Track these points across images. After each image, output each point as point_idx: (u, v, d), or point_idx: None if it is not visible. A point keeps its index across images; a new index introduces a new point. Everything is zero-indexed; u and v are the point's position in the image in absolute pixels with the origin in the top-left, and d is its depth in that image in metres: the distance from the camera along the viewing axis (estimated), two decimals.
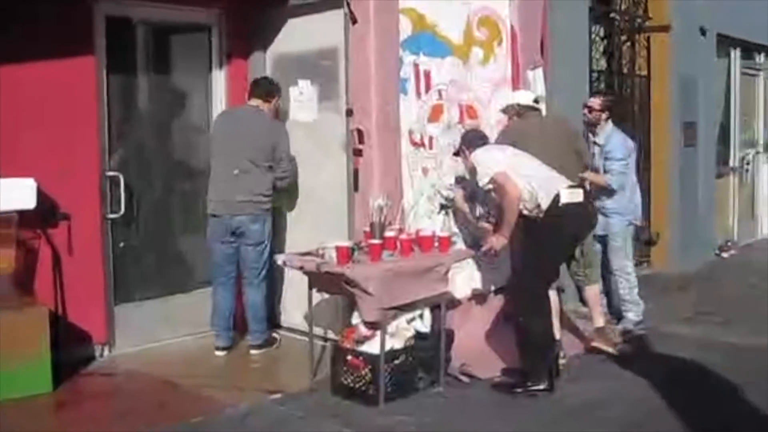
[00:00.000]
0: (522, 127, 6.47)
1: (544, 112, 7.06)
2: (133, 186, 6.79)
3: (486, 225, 6.42)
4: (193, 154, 7.26)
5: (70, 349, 6.16)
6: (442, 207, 6.79)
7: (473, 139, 6.16)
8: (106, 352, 6.58)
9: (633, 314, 7.35)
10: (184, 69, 7.23)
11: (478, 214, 6.70)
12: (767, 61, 13.55)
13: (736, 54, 12.45)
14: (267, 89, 6.73)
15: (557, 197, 5.67)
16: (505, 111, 6.76)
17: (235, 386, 6.06)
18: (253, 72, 7.22)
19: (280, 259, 6.04)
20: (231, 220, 6.50)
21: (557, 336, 6.23)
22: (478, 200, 6.67)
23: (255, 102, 6.67)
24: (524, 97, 6.70)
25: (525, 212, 5.78)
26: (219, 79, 7.27)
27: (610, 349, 6.61)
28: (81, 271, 6.35)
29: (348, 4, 6.33)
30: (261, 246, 6.58)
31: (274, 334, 6.98)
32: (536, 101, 6.72)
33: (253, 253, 6.58)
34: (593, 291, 6.81)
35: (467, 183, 6.53)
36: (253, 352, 6.73)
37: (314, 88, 6.84)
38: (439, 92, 6.81)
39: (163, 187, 7.15)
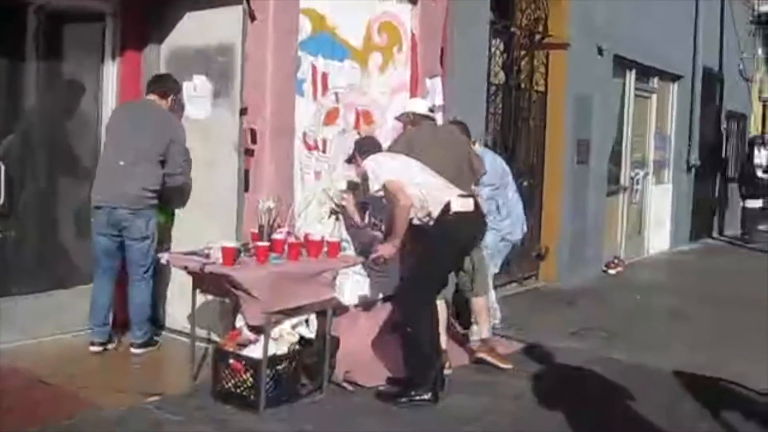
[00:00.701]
0: (415, 136, 6.45)
1: (439, 122, 7.07)
2: (15, 176, 6.52)
3: (375, 233, 6.39)
4: (81, 147, 7.00)
5: None
6: (333, 212, 6.73)
7: (366, 146, 6.15)
8: None
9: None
10: (76, 58, 6.95)
11: (368, 221, 6.67)
12: (660, 84, 13.92)
13: (631, 75, 12.74)
14: (164, 85, 6.58)
15: (448, 205, 5.67)
16: (399, 119, 6.76)
17: (113, 387, 5.84)
18: (147, 65, 7.04)
19: (163, 257, 5.89)
20: (113, 213, 6.31)
21: (444, 346, 6.22)
22: (368, 208, 6.63)
23: (152, 97, 6.52)
24: (419, 106, 6.71)
25: (415, 221, 5.77)
26: (111, 70, 7.04)
27: (495, 361, 6.64)
28: None
29: (247, 1, 6.22)
30: (145, 242, 6.40)
31: (156, 337, 6.79)
32: (431, 110, 6.73)
33: (137, 250, 6.41)
34: (481, 301, 6.81)
35: (358, 190, 6.48)
36: (133, 350, 6.54)
37: (209, 85, 6.70)
38: (336, 95, 6.76)
39: (47, 179, 6.88)
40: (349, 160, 6.32)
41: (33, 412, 5.31)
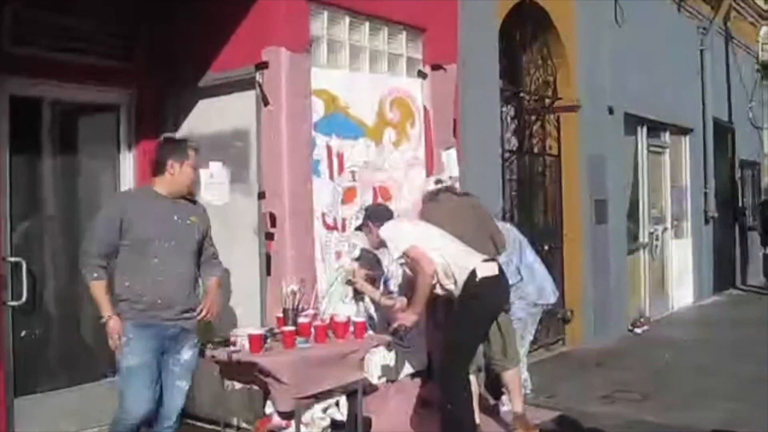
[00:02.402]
0: (436, 207, 6.46)
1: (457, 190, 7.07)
2: (37, 272, 6.52)
3: (390, 301, 6.28)
4: None
5: None
6: (356, 291, 6.67)
7: (379, 213, 6.11)
8: None
9: None
10: (92, 150, 7.03)
11: (382, 290, 6.60)
12: (672, 138, 13.93)
13: (642, 132, 12.75)
14: None
15: (474, 272, 5.61)
16: (423, 200, 6.81)
17: None
18: None
19: None
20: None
21: (477, 420, 6.12)
22: (381, 276, 6.58)
23: None
24: (430, 183, 6.75)
25: (438, 289, 5.71)
26: (128, 160, 7.09)
27: None
28: None
29: (260, 86, 6.28)
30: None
31: None
32: (439, 181, 6.74)
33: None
34: (512, 374, 6.69)
35: (368, 259, 6.45)
36: None
37: (226, 171, 6.72)
38: (352, 174, 6.76)
39: (69, 273, 6.88)
40: (359, 228, 6.29)
41: None
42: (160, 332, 5.27)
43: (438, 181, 6.83)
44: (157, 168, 5.45)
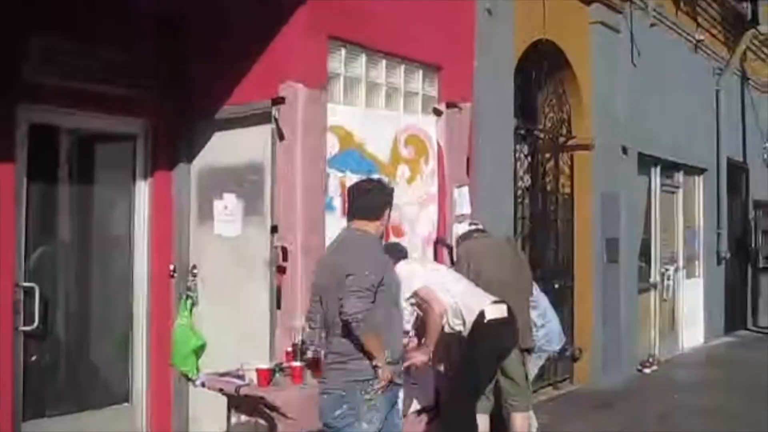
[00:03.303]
0: (474, 243, 6.52)
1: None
2: (49, 298, 6.57)
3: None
4: (113, 267, 7.10)
5: None
6: None
7: (393, 252, 6.11)
8: None
9: None
10: (107, 179, 7.11)
11: None
12: (685, 178, 13.93)
13: (656, 171, 12.76)
14: None
15: (482, 314, 5.64)
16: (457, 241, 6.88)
17: None
18: (177, 184, 7.15)
19: (199, 380, 5.88)
20: None
21: None
22: None
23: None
24: (465, 226, 6.84)
25: (447, 329, 5.73)
26: (143, 189, 7.16)
27: None
28: None
29: (276, 120, 6.33)
30: None
31: None
32: (474, 224, 6.81)
33: None
34: (521, 419, 6.65)
35: None
36: None
37: (239, 203, 6.78)
38: None
39: (80, 299, 6.96)
40: None
41: None
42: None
43: (473, 224, 6.88)
44: (372, 212, 4.98)
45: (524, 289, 6.49)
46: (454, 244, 6.99)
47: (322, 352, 5.28)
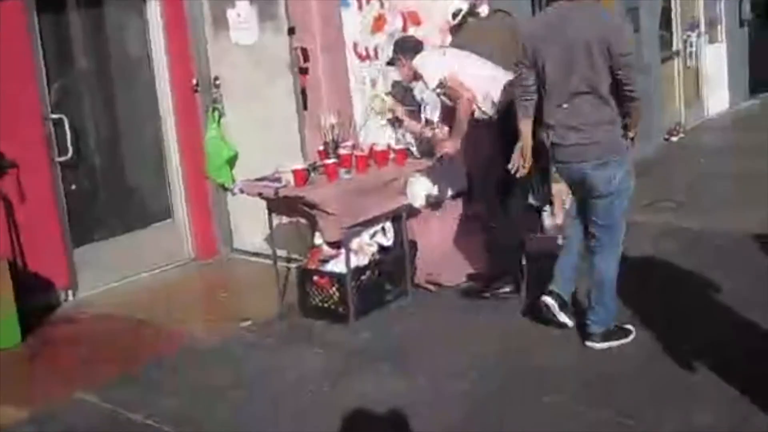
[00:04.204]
0: (462, 34, 6.42)
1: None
2: (78, 127, 6.63)
3: (431, 133, 6.30)
4: (137, 87, 7.11)
5: (34, 298, 6.08)
6: (393, 119, 6.69)
7: (409, 45, 6.04)
8: (70, 297, 6.52)
9: None
10: (119, 2, 6.99)
11: (423, 122, 6.61)
12: None
13: None
14: None
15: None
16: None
17: (205, 318, 6.07)
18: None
19: (236, 187, 5.99)
20: None
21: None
22: (415, 107, 6.60)
23: None
24: (449, 16, 6.61)
25: (477, 114, 5.73)
26: (154, 6, 7.03)
27: None
28: (35, 219, 6.24)
29: None
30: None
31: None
32: (458, 12, 6.63)
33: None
34: (558, 187, 6.77)
35: (402, 91, 6.45)
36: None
37: (253, 9, 6.67)
38: (380, 1, 6.66)
39: (109, 124, 7.02)
40: (391, 63, 6.25)
41: (134, 351, 5.52)
42: None
43: (456, 14, 6.70)
44: None
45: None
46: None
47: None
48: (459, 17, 6.55)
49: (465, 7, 6.58)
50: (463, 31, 6.49)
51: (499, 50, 6.16)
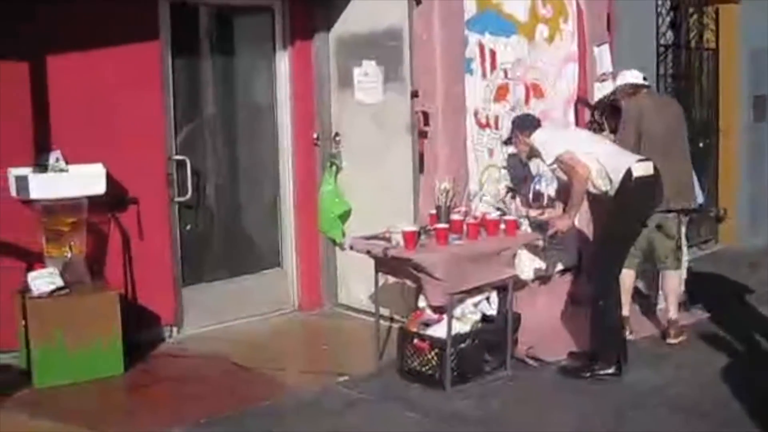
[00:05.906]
0: (643, 103, 6.43)
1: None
2: (200, 169, 6.84)
3: (540, 215, 6.27)
4: (260, 138, 7.30)
5: (139, 331, 6.25)
6: (509, 189, 6.71)
7: (526, 122, 6.06)
8: (174, 333, 6.66)
9: None
10: (247, 52, 7.23)
11: (531, 200, 6.60)
12: None
13: None
14: None
15: (629, 171, 5.55)
16: (615, 93, 6.70)
17: (303, 369, 6.11)
18: (316, 53, 7.21)
19: (346, 243, 6.05)
20: None
21: (626, 313, 6.17)
22: (527, 188, 6.61)
23: None
24: (634, 77, 6.62)
25: (593, 190, 5.69)
26: (283, 60, 7.25)
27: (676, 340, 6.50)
28: (150, 254, 6.42)
29: None
30: None
31: None
32: (645, 78, 6.64)
33: None
34: (674, 277, 6.63)
35: (517, 165, 6.46)
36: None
37: (379, 69, 6.80)
38: (505, 71, 6.71)
39: (229, 169, 7.21)
40: (508, 141, 6.28)
41: (232, 394, 5.57)
42: None
43: (645, 78, 6.70)
44: None
45: (687, 148, 6.37)
46: (610, 98, 6.81)
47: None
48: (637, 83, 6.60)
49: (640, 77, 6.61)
50: (638, 101, 6.52)
51: (677, 131, 6.23)
